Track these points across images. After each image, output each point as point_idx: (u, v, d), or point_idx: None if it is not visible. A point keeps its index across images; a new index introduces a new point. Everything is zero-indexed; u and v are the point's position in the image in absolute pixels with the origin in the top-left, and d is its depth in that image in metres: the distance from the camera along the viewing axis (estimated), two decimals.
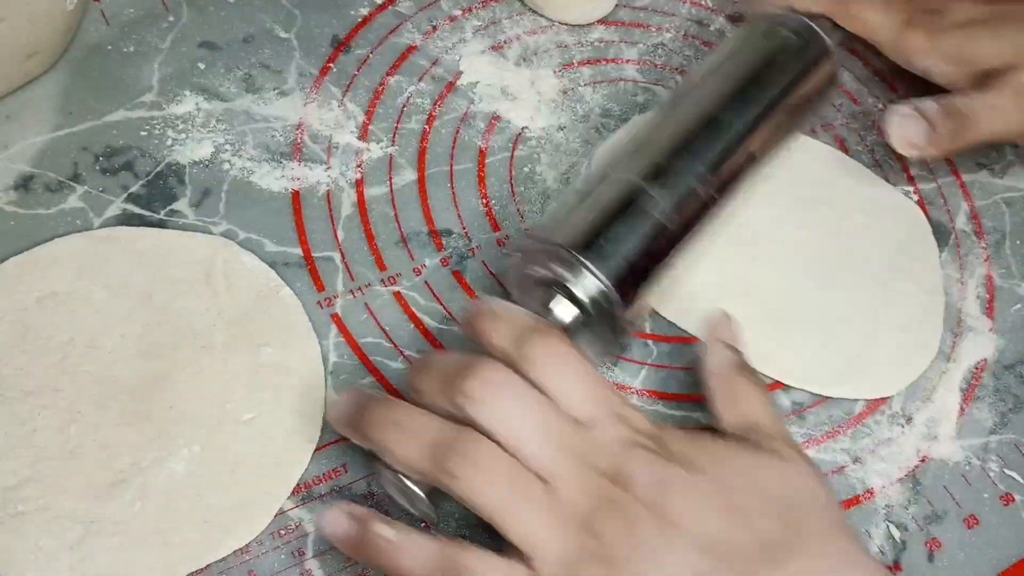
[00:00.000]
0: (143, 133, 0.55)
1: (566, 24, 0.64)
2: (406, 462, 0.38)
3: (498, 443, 0.37)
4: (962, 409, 0.51)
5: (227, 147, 0.55)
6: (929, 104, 0.54)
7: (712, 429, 0.43)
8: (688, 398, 0.50)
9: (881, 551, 0.46)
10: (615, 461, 0.38)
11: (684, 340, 0.51)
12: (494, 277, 0.52)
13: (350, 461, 0.46)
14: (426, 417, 0.38)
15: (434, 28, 0.62)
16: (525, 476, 0.37)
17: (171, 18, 0.60)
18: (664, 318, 0.52)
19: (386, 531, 0.37)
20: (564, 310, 0.43)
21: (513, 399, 0.38)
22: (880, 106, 0.63)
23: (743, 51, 0.52)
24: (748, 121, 0.49)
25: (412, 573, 0.37)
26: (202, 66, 0.58)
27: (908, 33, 0.58)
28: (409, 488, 0.39)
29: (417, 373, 0.40)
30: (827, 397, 0.50)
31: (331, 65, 0.60)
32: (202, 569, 0.42)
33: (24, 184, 0.52)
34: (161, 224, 0.52)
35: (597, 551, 0.36)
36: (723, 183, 0.47)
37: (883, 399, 0.51)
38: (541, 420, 0.38)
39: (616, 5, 0.65)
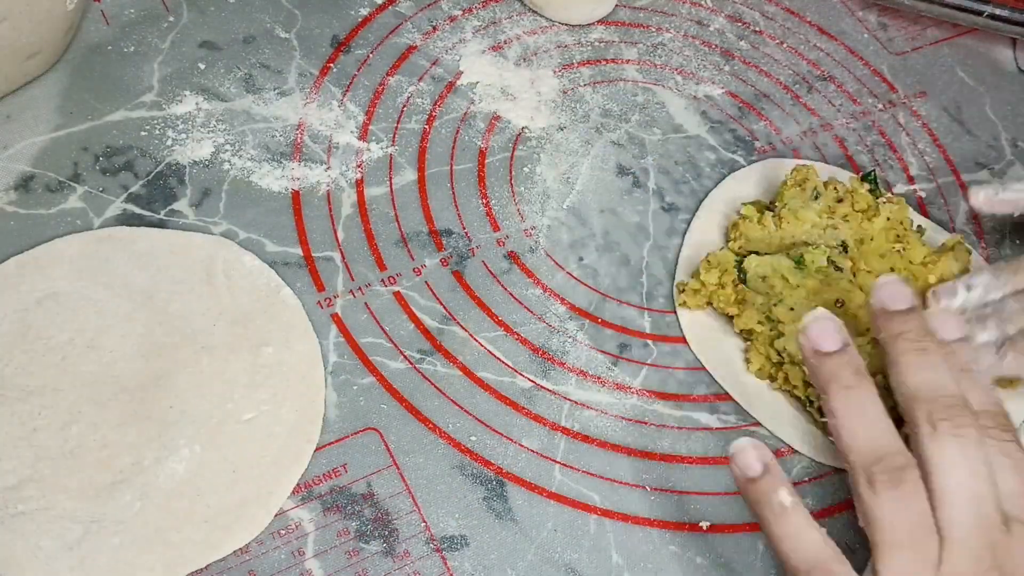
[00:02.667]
0: (143, 133, 0.55)
1: (566, 24, 0.64)
2: (842, 441, 0.39)
3: (926, 482, 0.37)
4: None
5: (227, 147, 0.55)
6: None
7: None
8: (688, 398, 0.50)
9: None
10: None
11: (684, 341, 0.52)
12: (494, 277, 0.52)
13: (350, 461, 0.46)
14: (883, 416, 0.39)
15: (434, 28, 0.62)
16: (930, 526, 0.37)
17: (171, 18, 0.60)
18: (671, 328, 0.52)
19: (784, 498, 0.38)
20: None
21: (973, 455, 0.37)
22: (880, 106, 0.63)
23: None
24: None
25: (784, 545, 0.38)
26: (202, 66, 0.58)
27: None
28: None
29: (912, 351, 0.40)
30: None
31: (331, 65, 0.60)
32: (202, 569, 0.42)
33: (24, 184, 0.52)
34: (161, 224, 0.52)
35: None
36: None
37: None
38: (982, 490, 0.37)
39: (616, 5, 0.65)
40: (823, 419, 0.47)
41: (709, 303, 0.52)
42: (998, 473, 0.38)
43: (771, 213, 0.53)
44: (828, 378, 0.40)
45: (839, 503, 0.47)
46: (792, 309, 0.49)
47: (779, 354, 0.49)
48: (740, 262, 0.51)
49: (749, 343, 0.51)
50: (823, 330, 0.41)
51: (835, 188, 0.53)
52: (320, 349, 0.48)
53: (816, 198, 0.53)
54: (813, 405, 0.48)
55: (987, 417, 0.39)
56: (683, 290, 0.52)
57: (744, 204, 0.54)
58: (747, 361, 0.50)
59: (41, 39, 0.53)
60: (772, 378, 0.50)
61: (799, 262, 0.50)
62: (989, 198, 0.53)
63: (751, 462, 0.39)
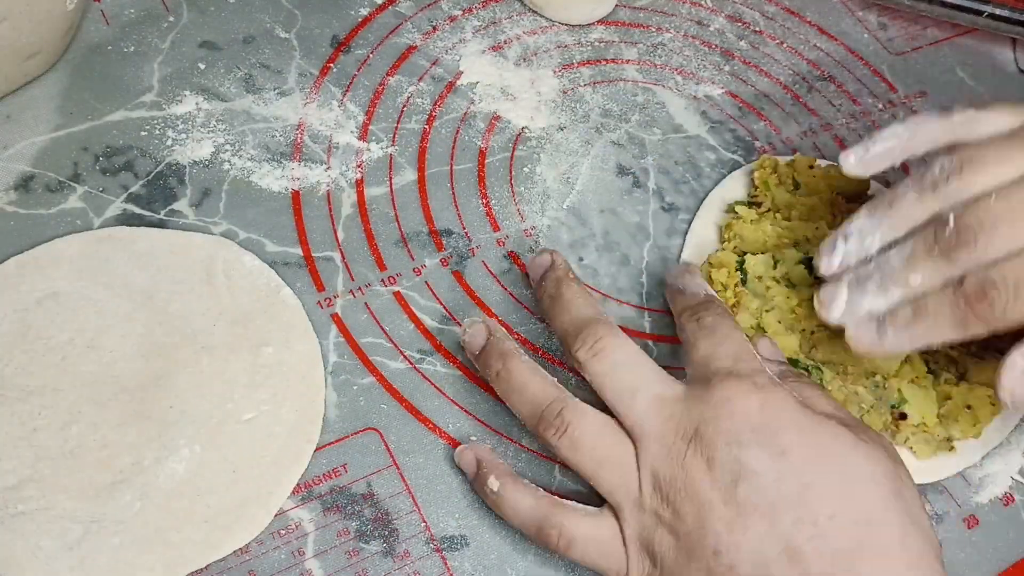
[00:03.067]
0: (143, 133, 0.55)
1: (566, 24, 0.64)
2: (518, 414, 0.43)
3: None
4: None
5: (227, 147, 0.55)
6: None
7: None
8: None
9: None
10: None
11: None
12: (494, 277, 0.52)
13: (350, 461, 0.46)
14: (535, 375, 0.43)
15: (434, 28, 0.62)
16: (617, 434, 0.41)
17: (171, 18, 0.60)
18: (661, 317, 0.52)
19: (493, 483, 0.43)
20: None
21: (622, 357, 0.42)
22: (880, 106, 0.63)
23: None
24: None
25: (514, 521, 0.42)
26: (202, 66, 0.58)
27: None
28: None
29: (553, 305, 0.45)
30: None
31: (331, 65, 0.60)
32: (202, 569, 0.42)
33: (24, 184, 0.52)
34: (161, 224, 0.52)
35: (670, 520, 0.39)
36: None
37: None
38: (631, 382, 0.41)
39: (616, 5, 0.65)
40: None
41: None
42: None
43: (767, 212, 0.53)
44: (485, 374, 0.45)
45: None
46: (779, 322, 0.49)
47: None
48: (741, 263, 0.51)
49: None
50: (474, 334, 0.45)
51: (810, 166, 0.55)
52: (320, 349, 0.48)
53: (797, 187, 0.54)
54: None
55: None
56: None
57: (736, 203, 0.54)
58: None
59: (41, 39, 0.53)
60: None
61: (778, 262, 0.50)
62: (860, 158, 0.47)
63: (468, 461, 0.45)
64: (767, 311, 0.49)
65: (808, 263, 0.50)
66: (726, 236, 0.53)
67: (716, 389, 0.40)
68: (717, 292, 0.51)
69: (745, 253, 0.51)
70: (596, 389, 0.42)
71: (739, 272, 0.51)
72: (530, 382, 0.43)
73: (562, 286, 0.45)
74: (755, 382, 0.40)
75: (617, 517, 0.40)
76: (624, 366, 0.42)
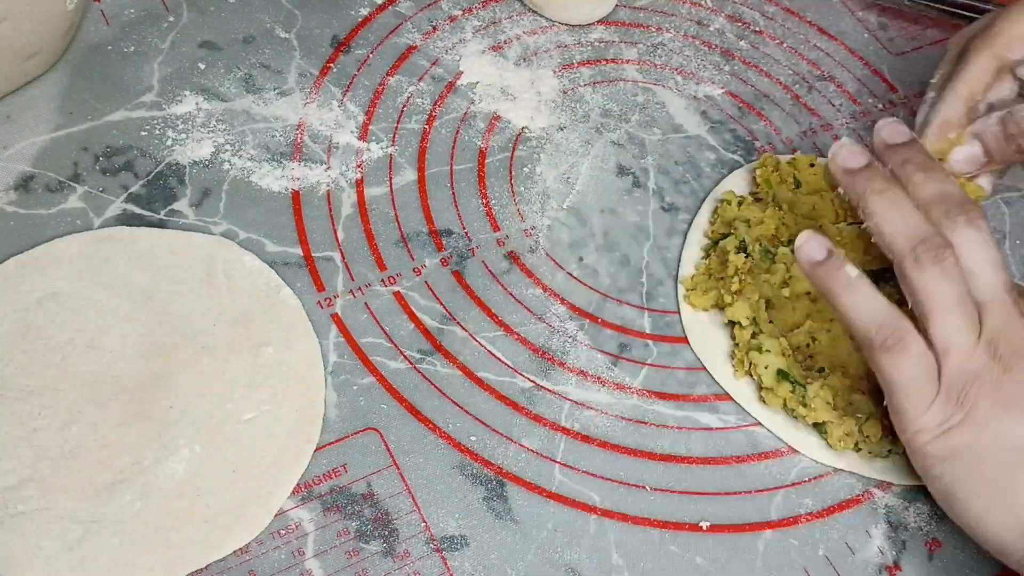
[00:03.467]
0: (143, 133, 0.55)
1: (566, 24, 0.64)
2: (885, 233, 0.45)
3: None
4: None
5: (227, 147, 0.55)
6: (988, 126, 0.52)
7: None
8: (688, 398, 0.50)
9: (881, 551, 0.46)
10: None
11: (684, 340, 0.52)
12: (494, 277, 0.52)
13: (350, 461, 0.46)
14: (915, 208, 0.45)
15: (434, 28, 0.62)
16: (968, 293, 0.43)
17: (171, 18, 0.60)
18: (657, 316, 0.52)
19: (852, 270, 0.44)
20: None
21: (983, 236, 0.44)
22: (880, 106, 0.63)
23: None
24: None
25: (856, 311, 0.44)
26: (202, 66, 0.58)
27: None
28: None
29: (919, 170, 0.46)
30: None
31: (331, 65, 0.60)
32: (202, 569, 0.42)
33: (24, 184, 0.52)
34: (161, 224, 0.52)
35: (996, 376, 0.43)
36: None
37: None
38: (996, 259, 0.44)
39: (616, 5, 0.65)
40: (819, 422, 0.48)
41: (715, 305, 0.52)
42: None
43: (759, 202, 0.54)
44: (863, 187, 0.46)
45: (839, 503, 0.47)
46: (771, 322, 0.49)
47: (751, 365, 0.49)
48: (743, 247, 0.51)
49: (735, 346, 0.51)
50: (850, 152, 0.47)
51: (810, 164, 0.55)
52: (320, 349, 0.48)
53: (798, 186, 0.54)
54: (794, 413, 0.48)
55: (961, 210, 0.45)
56: (691, 288, 0.52)
57: (727, 192, 0.55)
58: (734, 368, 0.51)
59: (41, 39, 0.53)
60: (750, 374, 0.50)
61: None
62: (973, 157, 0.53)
63: (817, 247, 0.45)
64: (766, 307, 0.50)
65: None
66: (711, 221, 0.55)
67: None
68: (727, 278, 0.51)
69: (743, 241, 0.52)
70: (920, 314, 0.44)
71: (744, 254, 0.51)
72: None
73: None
74: None
75: (937, 359, 0.43)
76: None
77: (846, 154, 0.47)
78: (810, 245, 0.45)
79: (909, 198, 0.45)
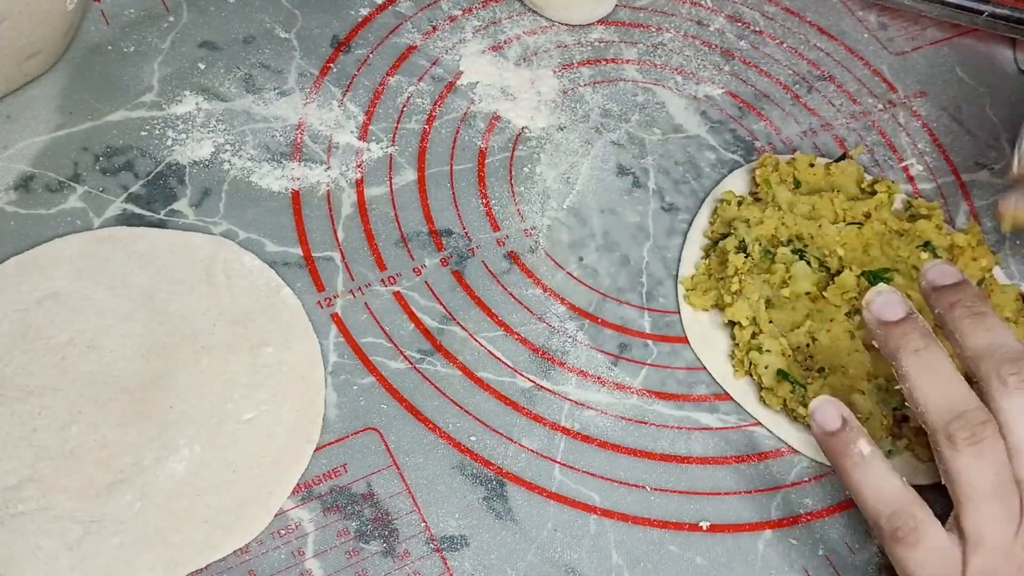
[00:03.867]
0: (143, 133, 0.55)
1: (566, 24, 0.64)
2: (918, 402, 0.40)
3: (1003, 435, 0.39)
4: None
5: (227, 147, 0.55)
6: None
7: None
8: (688, 398, 0.50)
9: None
10: None
11: (684, 340, 0.52)
12: (494, 277, 0.52)
13: (350, 461, 0.46)
14: (955, 374, 0.40)
15: (434, 28, 0.62)
16: (1010, 478, 0.38)
17: (171, 18, 0.60)
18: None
19: (864, 447, 0.40)
20: None
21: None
22: (880, 106, 0.63)
23: None
24: None
25: (865, 492, 0.40)
26: (202, 66, 0.58)
27: None
28: None
29: (968, 316, 0.41)
30: None
31: (331, 65, 0.60)
32: (202, 569, 0.42)
33: (24, 184, 0.52)
34: (161, 224, 0.52)
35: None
36: None
37: None
38: None
39: (616, 5, 0.65)
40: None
41: (715, 305, 0.52)
42: None
43: (759, 202, 0.54)
44: (897, 344, 0.41)
45: (839, 503, 0.47)
46: (771, 322, 0.49)
47: (751, 365, 0.49)
48: (743, 247, 0.51)
49: (735, 345, 0.51)
50: (887, 302, 0.42)
51: (810, 164, 0.55)
52: (320, 349, 0.48)
53: (798, 186, 0.55)
54: (794, 413, 0.48)
55: None
56: (691, 288, 0.52)
57: (727, 192, 0.55)
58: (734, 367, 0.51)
59: (41, 39, 0.53)
60: (749, 373, 0.50)
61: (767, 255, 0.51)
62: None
63: (831, 417, 0.41)
64: (766, 307, 0.50)
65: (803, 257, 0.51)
66: (711, 221, 0.55)
67: None
68: (720, 281, 0.51)
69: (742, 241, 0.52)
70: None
71: (744, 254, 0.51)
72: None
73: (931, 347, 0.41)
74: None
75: (964, 551, 0.39)
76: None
77: (882, 303, 0.42)
78: (823, 413, 0.42)
79: (949, 360, 0.40)
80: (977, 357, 0.40)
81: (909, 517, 0.39)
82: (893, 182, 0.55)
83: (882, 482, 0.40)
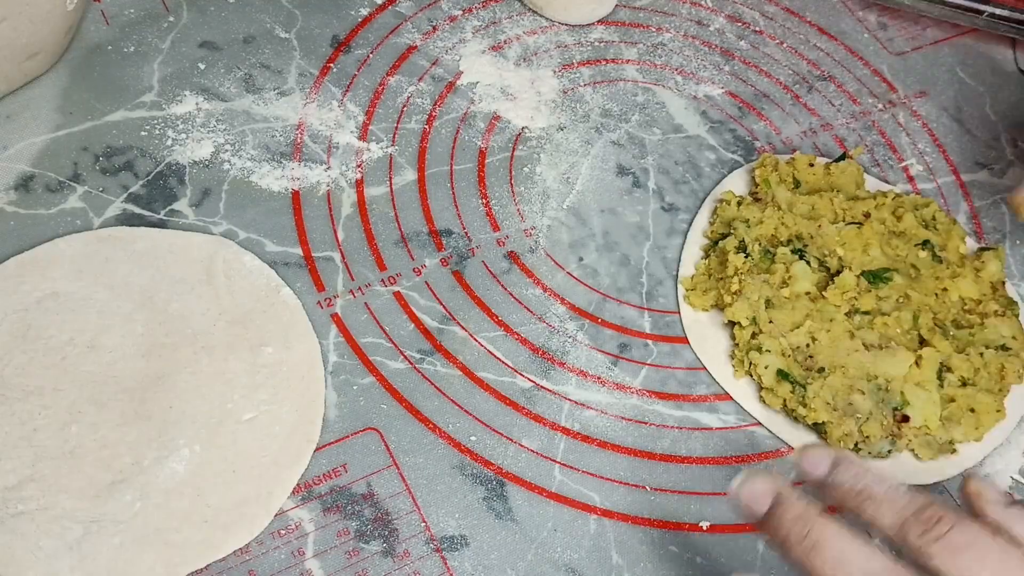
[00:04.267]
0: (143, 133, 0.55)
1: (566, 24, 0.64)
2: None
3: None
4: None
5: (227, 147, 0.55)
6: None
7: None
8: (688, 398, 0.50)
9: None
10: None
11: (684, 340, 0.52)
12: (494, 277, 0.52)
13: (350, 461, 0.46)
14: (862, 552, 0.34)
15: (434, 28, 0.62)
16: None
17: (171, 18, 0.60)
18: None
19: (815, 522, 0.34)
20: None
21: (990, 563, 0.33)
22: (880, 106, 0.63)
23: None
24: None
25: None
26: (202, 66, 0.58)
27: None
28: None
29: (858, 492, 0.36)
30: None
31: (331, 65, 0.60)
32: (202, 569, 0.42)
33: (24, 184, 0.52)
34: (161, 224, 0.52)
35: None
36: None
37: None
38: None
39: (616, 5, 0.65)
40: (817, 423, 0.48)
41: (715, 305, 0.52)
42: None
43: (758, 202, 0.54)
44: (775, 539, 0.36)
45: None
46: (771, 322, 0.49)
47: (751, 365, 0.49)
48: (743, 247, 0.51)
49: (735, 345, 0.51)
50: (752, 491, 0.36)
51: (809, 163, 0.55)
52: (320, 349, 0.48)
53: (797, 186, 0.55)
54: (794, 413, 0.48)
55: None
56: (691, 288, 0.52)
57: (727, 192, 0.55)
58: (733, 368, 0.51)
59: (41, 39, 0.53)
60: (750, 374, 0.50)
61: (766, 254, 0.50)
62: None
63: (759, 494, 0.36)
64: (766, 307, 0.50)
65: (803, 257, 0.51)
66: (710, 221, 0.55)
67: None
68: (727, 278, 0.51)
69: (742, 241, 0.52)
70: None
71: (744, 254, 0.51)
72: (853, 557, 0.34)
73: (818, 528, 0.35)
74: None
75: None
76: None
77: (748, 493, 0.36)
78: (749, 491, 0.36)
79: (842, 532, 0.34)
80: (897, 528, 0.35)
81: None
82: (898, 194, 0.55)
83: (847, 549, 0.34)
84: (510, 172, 0.57)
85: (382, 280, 0.51)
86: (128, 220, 0.51)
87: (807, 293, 0.50)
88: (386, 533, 0.44)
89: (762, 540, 0.45)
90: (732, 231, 0.52)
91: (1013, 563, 0.33)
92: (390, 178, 0.55)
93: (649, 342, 0.51)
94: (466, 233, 0.54)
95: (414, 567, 0.43)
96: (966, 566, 0.33)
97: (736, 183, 0.57)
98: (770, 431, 0.49)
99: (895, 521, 0.35)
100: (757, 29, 0.66)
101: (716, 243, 0.53)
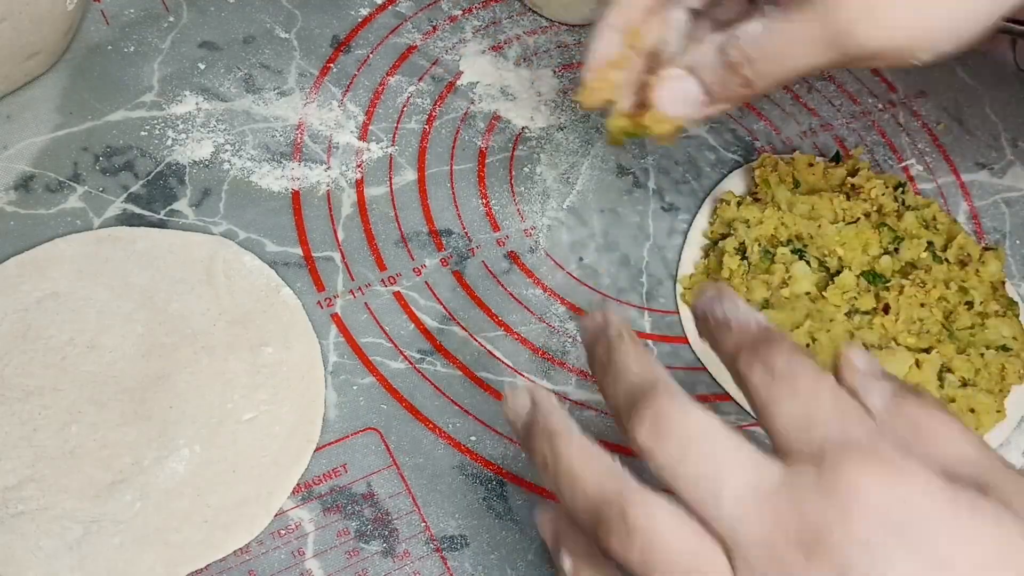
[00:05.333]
0: (143, 133, 0.55)
1: (566, 24, 0.64)
2: (567, 509, 0.32)
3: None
4: None
5: (227, 147, 0.55)
6: (704, 56, 0.40)
7: None
8: None
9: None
10: None
11: (684, 340, 0.52)
12: (494, 277, 0.52)
13: (350, 461, 0.46)
14: (593, 461, 0.32)
15: (434, 28, 0.62)
16: (703, 539, 0.29)
17: (171, 18, 0.60)
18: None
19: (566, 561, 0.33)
20: None
21: (693, 431, 0.31)
22: (880, 106, 0.63)
23: None
24: None
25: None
26: (202, 66, 0.58)
27: None
28: None
29: (602, 370, 0.34)
30: None
31: (331, 65, 0.60)
32: (202, 569, 0.42)
33: (24, 184, 0.52)
34: (161, 224, 0.52)
35: None
36: None
37: None
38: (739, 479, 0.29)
39: None
40: None
41: None
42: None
43: (758, 202, 0.54)
44: (531, 461, 0.34)
45: None
46: (771, 321, 0.49)
47: None
48: (743, 249, 0.51)
49: None
50: (516, 403, 0.35)
51: (809, 163, 0.55)
52: (320, 349, 0.48)
53: (797, 186, 0.55)
54: None
55: None
56: (690, 288, 0.52)
57: (727, 192, 0.55)
58: None
59: (41, 39, 0.53)
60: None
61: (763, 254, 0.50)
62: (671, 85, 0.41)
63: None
64: (766, 307, 0.50)
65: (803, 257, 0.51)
66: (710, 221, 0.55)
67: (833, 473, 0.28)
68: (725, 279, 0.51)
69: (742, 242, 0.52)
70: (667, 483, 0.30)
71: (742, 257, 0.51)
72: (582, 472, 0.31)
73: (612, 350, 0.35)
74: (882, 457, 0.28)
75: None
76: (697, 444, 0.30)
77: (511, 410, 0.34)
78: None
79: (579, 452, 0.32)
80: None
81: (617, 497, 0.30)
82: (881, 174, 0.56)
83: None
84: (510, 172, 0.57)
85: (382, 280, 0.51)
86: (128, 220, 0.51)
87: (807, 293, 0.50)
88: (386, 533, 0.44)
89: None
90: (732, 232, 0.52)
91: (844, 405, 0.30)
92: (390, 178, 0.55)
93: (649, 342, 0.51)
94: (466, 233, 0.54)
95: (414, 567, 0.43)
96: (778, 392, 0.30)
97: (736, 183, 0.57)
98: None
99: (734, 349, 0.33)
100: None
101: (716, 243, 0.53)
